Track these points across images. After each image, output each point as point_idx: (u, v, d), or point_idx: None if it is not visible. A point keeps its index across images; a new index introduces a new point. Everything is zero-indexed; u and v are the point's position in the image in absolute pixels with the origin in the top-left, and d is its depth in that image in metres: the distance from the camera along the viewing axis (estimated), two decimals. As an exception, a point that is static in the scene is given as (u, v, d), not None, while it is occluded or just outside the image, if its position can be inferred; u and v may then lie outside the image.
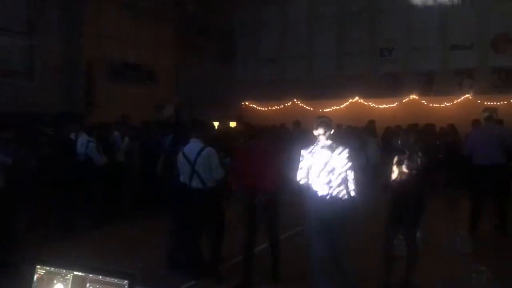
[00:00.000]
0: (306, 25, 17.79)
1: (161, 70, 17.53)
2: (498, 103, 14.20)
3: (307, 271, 5.25)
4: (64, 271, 1.95)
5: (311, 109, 16.96)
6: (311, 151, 4.84)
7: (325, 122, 4.83)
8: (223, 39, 18.89)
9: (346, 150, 4.74)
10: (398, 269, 5.26)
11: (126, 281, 1.85)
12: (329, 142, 4.76)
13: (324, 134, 4.75)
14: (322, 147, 4.77)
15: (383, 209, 5.52)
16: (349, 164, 4.70)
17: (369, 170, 12.11)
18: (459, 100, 15.35)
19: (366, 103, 16.61)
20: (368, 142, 11.76)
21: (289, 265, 6.09)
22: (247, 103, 18.60)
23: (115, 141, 9.39)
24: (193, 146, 5.75)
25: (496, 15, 15.01)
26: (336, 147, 4.76)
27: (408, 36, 16.12)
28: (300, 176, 4.89)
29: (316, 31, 17.59)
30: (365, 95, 16.55)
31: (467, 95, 15.21)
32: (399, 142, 5.22)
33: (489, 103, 14.44)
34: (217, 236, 5.83)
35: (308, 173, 4.82)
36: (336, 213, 4.74)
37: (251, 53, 18.46)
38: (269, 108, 18.17)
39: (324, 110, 16.69)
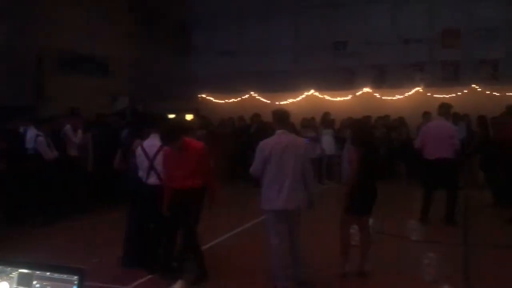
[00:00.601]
0: (262, 18, 17.82)
1: (116, 62, 17.08)
2: (447, 96, 14.75)
3: (263, 263, 5.31)
4: (9, 268, 1.88)
5: (268, 101, 17.02)
6: (268, 143, 4.87)
7: (282, 114, 4.88)
8: (179, 31, 18.64)
9: (303, 142, 4.81)
10: (353, 258, 5.38)
11: (75, 277, 1.79)
12: (285, 134, 4.80)
13: (281, 126, 4.80)
14: (279, 138, 4.80)
15: (338, 199, 5.63)
16: (306, 155, 4.76)
17: (325, 161, 12.40)
18: (410, 93, 15.83)
19: (322, 96, 16.85)
20: (323, 134, 11.98)
21: (247, 257, 6.14)
22: (203, 96, 18.48)
23: (67, 135, 9.10)
24: (153, 141, 5.60)
25: (445, 10, 15.56)
26: (293, 139, 4.82)
27: (362, 30, 16.45)
28: (257, 168, 4.91)
29: (273, 24, 17.65)
30: (321, 88, 16.77)
31: (417, 88, 15.72)
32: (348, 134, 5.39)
33: (439, 95, 15.01)
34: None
35: (265, 164, 4.84)
36: (295, 203, 4.79)
37: (208, 45, 18.31)
38: (226, 101, 18.12)
39: (281, 103, 16.82)
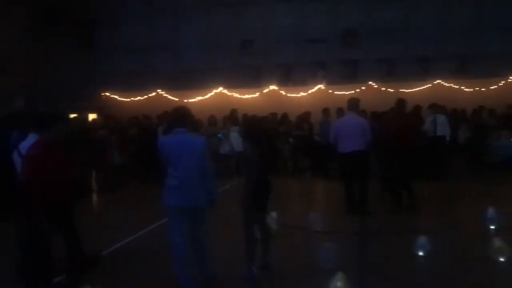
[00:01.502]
0: (171, 15, 17.54)
1: (12, 59, 15.86)
2: (346, 93, 15.54)
3: (169, 262, 5.25)
4: None
5: (177, 99, 16.82)
6: (166, 141, 4.81)
7: (181, 112, 4.85)
8: (81, 26, 17.77)
9: (202, 140, 4.81)
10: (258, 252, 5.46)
11: None
12: (184, 132, 4.77)
13: (181, 124, 4.77)
14: (178, 137, 4.77)
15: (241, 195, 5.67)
16: (205, 153, 4.77)
17: (234, 157, 12.51)
18: (313, 90, 16.49)
19: (230, 94, 17.00)
20: (231, 131, 12.09)
21: (152, 258, 6.04)
22: (107, 94, 17.81)
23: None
24: (29, 143, 5.15)
25: (345, 11, 16.38)
26: (192, 137, 4.82)
27: (268, 29, 16.82)
28: (162, 166, 4.83)
29: (181, 21, 17.48)
30: (229, 85, 16.91)
31: (320, 86, 16.41)
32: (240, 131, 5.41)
33: (339, 92, 15.80)
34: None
35: (168, 162, 4.78)
36: (196, 201, 4.77)
37: (113, 42, 17.67)
38: (132, 99, 17.61)
39: (189, 101, 16.74)
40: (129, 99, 17.65)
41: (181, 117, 4.86)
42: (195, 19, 17.36)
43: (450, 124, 11.52)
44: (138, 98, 17.52)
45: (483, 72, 14.93)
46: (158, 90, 17.33)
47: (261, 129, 5.34)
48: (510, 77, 15.31)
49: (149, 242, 6.84)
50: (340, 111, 11.77)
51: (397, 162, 8.28)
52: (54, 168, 4.83)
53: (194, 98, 16.86)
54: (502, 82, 15.33)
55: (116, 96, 17.78)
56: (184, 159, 4.69)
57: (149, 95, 17.38)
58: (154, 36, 17.45)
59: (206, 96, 17.00)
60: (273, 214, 7.13)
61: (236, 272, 5.22)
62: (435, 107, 11.62)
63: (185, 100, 16.53)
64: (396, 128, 8.33)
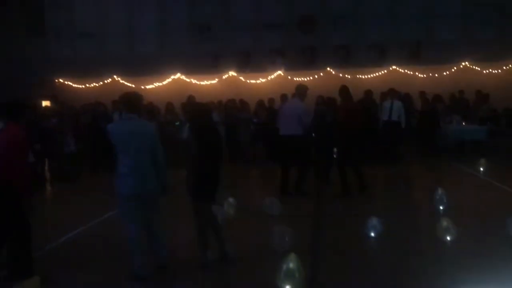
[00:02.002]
0: (126, 1, 17.11)
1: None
2: (306, 79, 15.65)
3: (122, 250, 5.18)
4: None
5: (133, 86, 16.48)
6: (114, 128, 4.70)
7: (130, 98, 4.76)
8: (32, 10, 17.10)
9: (152, 126, 4.73)
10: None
11: None
12: (133, 118, 4.68)
13: (130, 110, 4.67)
14: (129, 123, 4.67)
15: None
16: (156, 140, 4.69)
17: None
18: (272, 77, 16.52)
19: (188, 80, 16.80)
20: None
21: (108, 245, 5.94)
22: (61, 81, 17.25)
23: None
24: None
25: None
26: (141, 124, 4.73)
27: (225, 15, 16.66)
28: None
29: (137, 7, 17.06)
30: (187, 72, 16.70)
31: (279, 72, 16.45)
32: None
33: (298, 78, 15.86)
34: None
35: (117, 149, 4.68)
36: (148, 189, 4.71)
37: (67, 27, 17.09)
38: (87, 85, 17.14)
39: (146, 87, 16.47)
40: (83, 86, 17.17)
41: (130, 103, 4.76)
42: (151, 4, 16.99)
43: (406, 110, 11.80)
44: (93, 84, 17.07)
45: (436, 58, 15.35)
46: (114, 76, 16.93)
47: (203, 115, 5.13)
48: (462, 63, 15.80)
49: (103, 231, 6.72)
50: (283, 97, 11.98)
51: (345, 145, 8.49)
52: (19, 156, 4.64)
53: (151, 84, 16.58)
54: (454, 68, 15.81)
55: (70, 83, 17.26)
56: (134, 146, 4.61)
57: (105, 81, 16.96)
58: (108, 21, 16.98)
59: (164, 82, 16.75)
60: (231, 199, 7.17)
61: (191, 259, 5.21)
62: (393, 93, 11.86)
63: (142, 87, 16.23)
64: (343, 113, 8.52)
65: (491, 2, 15.43)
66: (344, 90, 8.72)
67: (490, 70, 15.65)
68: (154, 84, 16.60)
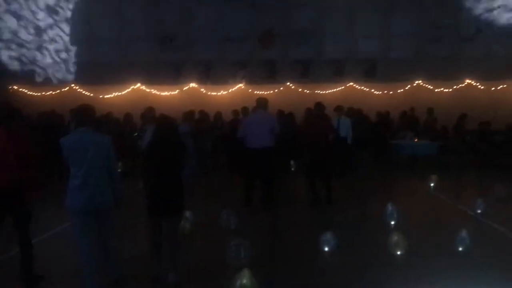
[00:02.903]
0: (87, 9, 16.82)
1: None
2: (266, 92, 15.84)
3: (74, 266, 5.09)
4: None
5: (91, 95, 16.24)
6: (67, 141, 4.64)
7: (83, 110, 4.73)
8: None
9: (108, 139, 4.71)
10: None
11: None
12: (87, 131, 4.64)
13: (83, 123, 4.64)
14: (83, 135, 4.63)
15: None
16: (111, 153, 4.67)
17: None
18: (233, 89, 16.63)
19: (148, 90, 16.67)
20: (148, 130, 11.86)
21: (59, 260, 5.81)
22: (15, 88, 16.74)
23: None
24: None
25: (265, 12, 16.62)
26: (97, 136, 4.70)
27: (189, 26, 16.67)
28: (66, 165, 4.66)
29: (97, 14, 16.82)
30: (148, 82, 16.59)
31: (240, 85, 16.58)
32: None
33: (258, 92, 16.04)
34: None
35: (70, 162, 4.61)
36: (101, 202, 4.66)
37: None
38: (43, 93, 16.70)
39: (105, 96, 16.23)
40: (39, 94, 16.73)
41: (82, 115, 4.73)
42: (111, 12, 16.78)
43: (354, 126, 12.07)
44: (50, 92, 16.66)
45: (391, 76, 15.90)
46: (72, 85, 16.60)
47: (162, 127, 5.12)
48: (416, 81, 16.42)
49: (53, 246, 6.56)
50: (245, 110, 12.13)
51: (318, 159, 8.74)
52: None
53: (110, 93, 16.36)
54: (408, 85, 16.41)
55: (25, 90, 16.78)
56: (87, 158, 4.57)
57: (62, 89, 16.59)
58: (67, 27, 16.64)
59: (123, 92, 16.55)
60: (187, 213, 7.15)
61: (145, 273, 5.18)
62: (340, 110, 12.13)
63: (101, 96, 16.00)
64: (317, 129, 8.83)
65: (445, 22, 16.16)
66: (319, 106, 9.14)
67: (442, 88, 16.35)
68: (113, 93, 16.39)
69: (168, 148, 5.00)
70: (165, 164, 4.99)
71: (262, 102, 8.77)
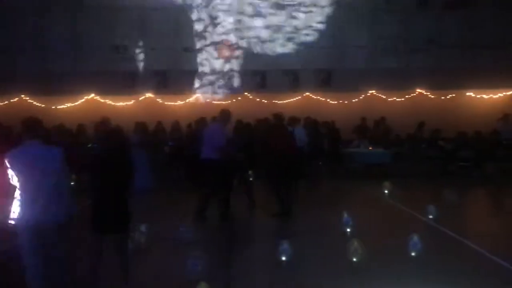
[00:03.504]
0: (38, 15, 16.30)
1: None
2: (224, 102, 15.88)
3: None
4: None
5: (43, 106, 15.72)
6: (14, 155, 4.45)
7: (32, 123, 4.56)
8: None
9: (58, 152, 4.54)
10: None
11: None
12: (35, 144, 4.47)
13: (30, 136, 4.47)
14: (31, 148, 4.45)
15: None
16: (62, 166, 4.50)
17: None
18: (191, 99, 16.54)
19: (103, 101, 16.33)
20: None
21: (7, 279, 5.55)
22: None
23: None
24: None
25: (220, 22, 16.66)
26: (47, 148, 4.54)
27: (143, 35, 16.48)
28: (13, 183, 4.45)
29: (48, 22, 16.35)
30: (102, 92, 16.25)
31: (197, 95, 16.51)
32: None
33: (216, 102, 16.06)
34: None
35: (18, 176, 4.41)
36: (50, 217, 4.46)
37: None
38: (-8, 104, 16.06)
39: (58, 107, 15.79)
40: (-12, 105, 16.07)
41: (29, 129, 4.55)
42: (63, 21, 16.35)
43: (309, 136, 12.18)
44: (-2, 104, 16.05)
45: (346, 86, 16.26)
46: (22, 96, 16.03)
47: (110, 141, 4.96)
48: (369, 91, 16.85)
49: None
50: (201, 120, 12.10)
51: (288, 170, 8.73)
52: None
53: (63, 104, 15.91)
54: (362, 95, 16.82)
55: (-32, 101, 16.09)
56: (36, 172, 4.38)
57: (11, 100, 15.98)
58: (16, 36, 16.06)
59: (76, 103, 16.13)
60: (142, 226, 7.01)
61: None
62: (293, 120, 12.19)
63: (53, 107, 15.54)
64: (275, 140, 8.89)
65: (397, 33, 16.70)
66: (278, 117, 9.26)
67: (395, 98, 16.85)
68: (66, 104, 15.95)
69: (115, 164, 4.84)
70: (111, 180, 4.82)
71: (223, 115, 8.82)
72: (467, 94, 16.95)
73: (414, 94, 16.91)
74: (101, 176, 4.83)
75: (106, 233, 4.87)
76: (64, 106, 15.89)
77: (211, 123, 10.51)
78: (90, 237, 4.85)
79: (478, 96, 16.99)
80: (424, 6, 16.72)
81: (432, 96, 16.90)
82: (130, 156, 5.18)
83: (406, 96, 16.89)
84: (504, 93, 16.94)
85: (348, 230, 7.41)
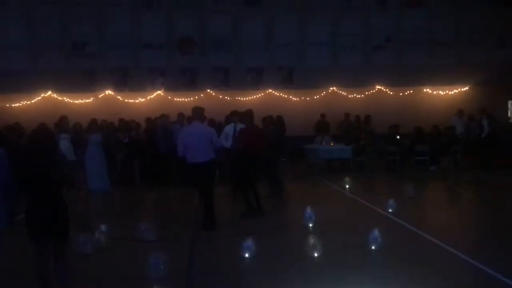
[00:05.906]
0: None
1: None
2: (186, 99, 15.76)
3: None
4: None
5: (-3, 104, 15.18)
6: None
7: None
8: None
9: (1, 152, 4.39)
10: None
11: None
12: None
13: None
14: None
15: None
16: (5, 166, 4.34)
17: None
18: (152, 96, 16.32)
19: (61, 98, 15.89)
20: (61, 139, 11.28)
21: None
22: None
23: None
24: None
25: (182, 19, 16.52)
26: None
27: (101, 32, 16.13)
28: None
29: (5, 18, 15.78)
30: (60, 89, 15.82)
31: (159, 92, 16.30)
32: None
33: (178, 99, 15.93)
34: None
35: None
36: None
37: None
38: None
39: (13, 105, 15.28)
40: None
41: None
42: (19, 17, 15.83)
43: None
44: None
45: (307, 83, 16.44)
46: (-26, 93, 15.41)
47: (34, 140, 4.53)
48: (330, 88, 17.08)
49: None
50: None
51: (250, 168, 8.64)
52: None
53: (19, 102, 15.39)
54: (323, 92, 17.04)
55: None
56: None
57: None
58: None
59: (33, 101, 15.63)
60: (102, 226, 6.89)
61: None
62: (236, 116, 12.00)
63: (7, 105, 14.98)
64: (246, 138, 8.67)
65: (357, 32, 17.00)
66: (248, 114, 8.88)
67: (355, 94, 17.16)
68: (22, 102, 15.42)
69: (38, 165, 4.36)
70: (37, 182, 4.36)
71: (197, 113, 7.97)
72: (425, 90, 17.45)
73: (374, 91, 17.27)
74: (25, 177, 4.38)
75: (38, 238, 4.42)
76: (20, 104, 15.37)
77: (188, 124, 9.85)
78: (29, 243, 4.50)
79: (435, 93, 17.53)
80: (383, 4, 17.09)
81: (391, 93, 17.31)
82: (57, 156, 4.66)
83: (366, 93, 17.23)
84: (460, 89, 17.54)
85: (310, 225, 7.51)
